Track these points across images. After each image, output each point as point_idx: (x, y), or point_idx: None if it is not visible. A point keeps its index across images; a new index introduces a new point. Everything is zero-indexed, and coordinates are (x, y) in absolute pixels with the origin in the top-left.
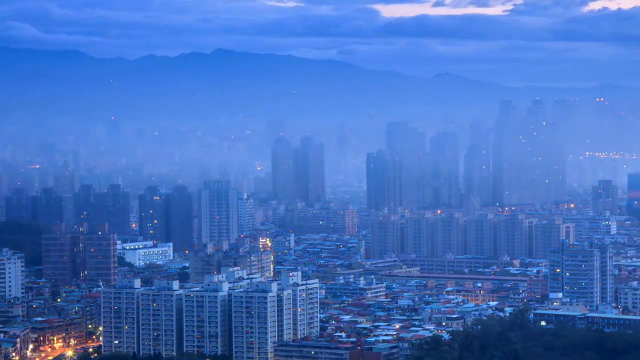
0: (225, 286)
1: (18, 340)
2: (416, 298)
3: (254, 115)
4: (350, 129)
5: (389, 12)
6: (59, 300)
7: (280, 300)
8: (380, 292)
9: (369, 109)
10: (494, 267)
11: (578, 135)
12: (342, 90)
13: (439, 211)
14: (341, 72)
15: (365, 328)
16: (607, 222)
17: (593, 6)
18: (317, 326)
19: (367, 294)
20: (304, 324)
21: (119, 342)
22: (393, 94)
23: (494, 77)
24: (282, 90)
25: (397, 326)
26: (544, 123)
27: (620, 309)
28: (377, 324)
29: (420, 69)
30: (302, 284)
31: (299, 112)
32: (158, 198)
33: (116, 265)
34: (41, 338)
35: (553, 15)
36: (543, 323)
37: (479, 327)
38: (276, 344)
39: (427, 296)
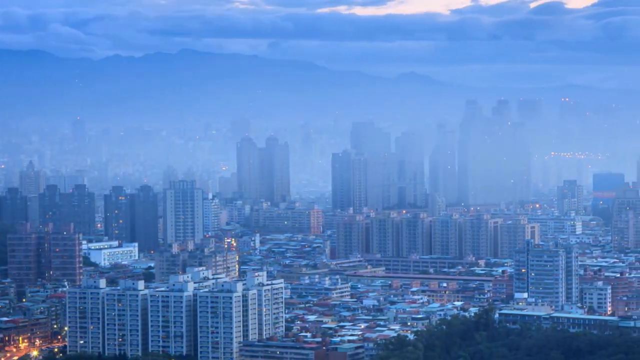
0: (191, 286)
1: None
2: (381, 298)
3: (219, 115)
4: (316, 129)
5: (353, 12)
6: (24, 300)
7: (245, 300)
8: (345, 292)
9: (334, 109)
10: (459, 267)
11: (543, 136)
12: (307, 91)
13: (404, 211)
14: (306, 72)
15: (330, 328)
16: (572, 222)
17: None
18: (282, 326)
19: (333, 294)
20: (269, 324)
21: (85, 342)
22: (358, 94)
23: (458, 77)
24: (247, 90)
25: (362, 326)
26: (509, 123)
27: (586, 309)
28: (342, 324)
29: (384, 69)
30: (268, 284)
31: (264, 112)
32: (123, 198)
33: (81, 265)
34: (6, 338)
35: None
36: (508, 323)
37: (444, 327)
38: (241, 344)
39: (392, 296)
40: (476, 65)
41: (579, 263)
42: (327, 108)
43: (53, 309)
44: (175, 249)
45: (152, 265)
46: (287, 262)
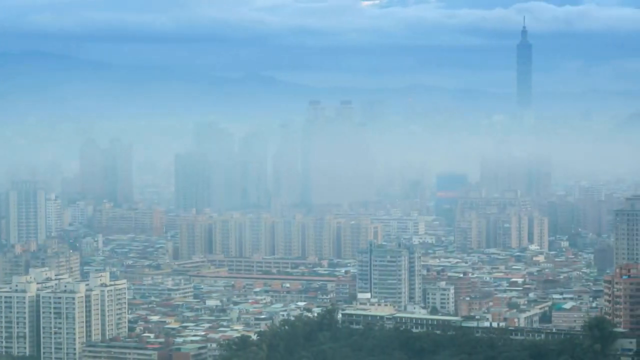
0: (34, 287)
1: None
2: (224, 298)
3: (62, 116)
4: (159, 130)
5: (202, 13)
6: None
7: (88, 301)
8: (188, 292)
9: (177, 109)
10: (302, 268)
11: (387, 136)
12: (149, 91)
13: (247, 212)
14: (150, 73)
15: (173, 329)
16: (415, 223)
17: None
18: (125, 327)
19: (175, 294)
20: (112, 324)
21: None
22: (201, 94)
23: (301, 78)
24: (90, 91)
25: (206, 326)
26: (353, 123)
27: (429, 309)
28: (185, 324)
29: (229, 69)
30: (110, 285)
31: (107, 113)
32: None
33: None
34: None
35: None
36: (351, 323)
37: (287, 327)
38: (84, 345)
39: (235, 297)
40: (318, 65)
41: (422, 263)
42: (170, 108)
43: None
44: (18, 249)
45: None
46: (130, 262)
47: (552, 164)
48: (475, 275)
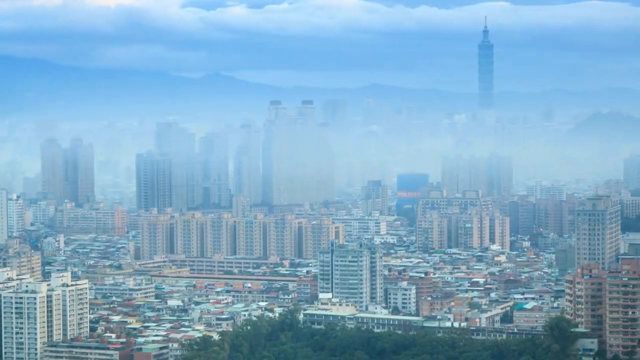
0: None
1: None
2: (186, 298)
3: (23, 116)
4: (120, 130)
5: (159, 15)
6: None
7: (50, 301)
8: (149, 292)
9: (138, 109)
10: (264, 268)
11: (348, 136)
12: (111, 91)
13: (208, 212)
14: (110, 74)
15: (135, 329)
16: (376, 223)
17: None
18: (86, 327)
19: (137, 294)
20: (73, 324)
21: None
22: (162, 95)
23: (262, 78)
24: (51, 91)
25: (167, 327)
26: (314, 123)
27: (390, 309)
28: (146, 324)
29: (189, 69)
30: (72, 285)
31: (68, 113)
32: None
33: None
34: None
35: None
36: (313, 324)
37: (249, 327)
38: (46, 345)
39: (196, 297)
40: (279, 65)
41: (384, 263)
42: (131, 109)
43: None
44: None
45: None
46: (92, 262)
47: (514, 164)
48: (436, 275)
